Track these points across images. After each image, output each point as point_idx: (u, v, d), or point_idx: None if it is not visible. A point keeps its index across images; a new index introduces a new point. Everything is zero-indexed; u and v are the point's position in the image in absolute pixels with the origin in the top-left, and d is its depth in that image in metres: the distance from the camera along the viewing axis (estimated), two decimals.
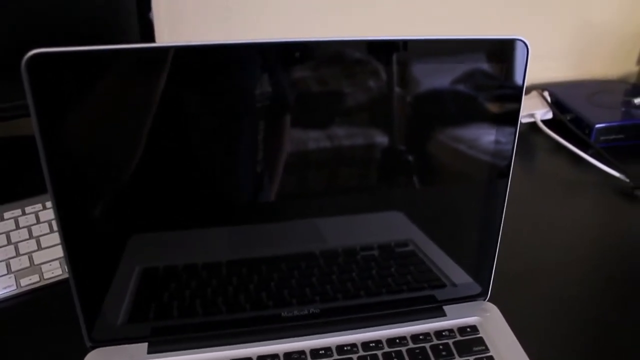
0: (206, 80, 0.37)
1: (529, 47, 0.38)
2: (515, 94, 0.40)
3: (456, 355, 0.42)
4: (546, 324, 0.47)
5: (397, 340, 0.43)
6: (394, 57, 0.38)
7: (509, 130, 0.41)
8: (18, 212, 0.53)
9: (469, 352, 0.42)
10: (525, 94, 0.79)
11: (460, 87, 0.39)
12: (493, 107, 0.40)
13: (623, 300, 0.49)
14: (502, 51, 0.39)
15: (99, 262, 0.40)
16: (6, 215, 0.53)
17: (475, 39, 0.38)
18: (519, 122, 0.41)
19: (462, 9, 0.77)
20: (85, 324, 0.40)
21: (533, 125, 0.76)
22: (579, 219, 0.60)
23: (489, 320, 0.45)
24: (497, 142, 0.41)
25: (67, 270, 0.38)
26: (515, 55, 0.39)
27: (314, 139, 0.39)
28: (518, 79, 0.40)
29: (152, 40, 0.57)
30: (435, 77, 0.39)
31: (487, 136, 0.41)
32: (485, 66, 0.39)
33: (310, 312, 0.44)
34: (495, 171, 0.42)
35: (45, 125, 0.35)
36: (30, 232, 0.52)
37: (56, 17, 0.51)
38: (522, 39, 0.38)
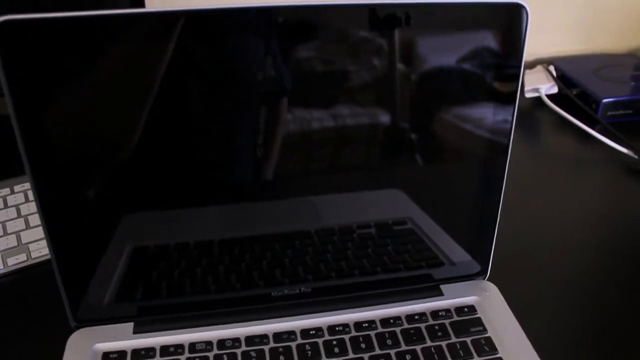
0: (204, 50, 0.35)
1: (528, 12, 0.36)
2: (515, 65, 0.38)
3: (452, 336, 0.41)
4: (548, 305, 0.45)
5: (392, 321, 0.41)
6: (394, 22, 0.36)
7: (507, 103, 0.39)
8: (6, 191, 0.52)
9: (466, 333, 0.41)
10: (530, 68, 0.77)
11: (459, 60, 0.38)
12: (492, 80, 0.38)
13: (629, 281, 0.48)
14: (501, 17, 0.37)
15: (84, 241, 0.39)
16: None
17: (473, 2, 0.36)
18: (518, 94, 0.39)
19: None
20: (69, 304, 0.39)
21: (538, 100, 0.74)
22: (584, 196, 0.59)
23: (487, 300, 0.44)
24: (495, 116, 0.40)
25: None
26: (515, 21, 0.37)
27: (316, 118, 0.38)
28: (518, 47, 0.37)
29: (142, 5, 0.55)
30: (433, 49, 0.37)
31: (485, 110, 0.39)
32: (483, 33, 0.37)
33: (302, 291, 0.42)
34: (494, 147, 0.41)
35: (18, 100, 0.33)
36: (18, 211, 0.51)
37: None
38: (523, 3, 0.36)
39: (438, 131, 0.40)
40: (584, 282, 0.48)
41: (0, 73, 0.32)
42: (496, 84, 0.39)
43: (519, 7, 0.36)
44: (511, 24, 0.37)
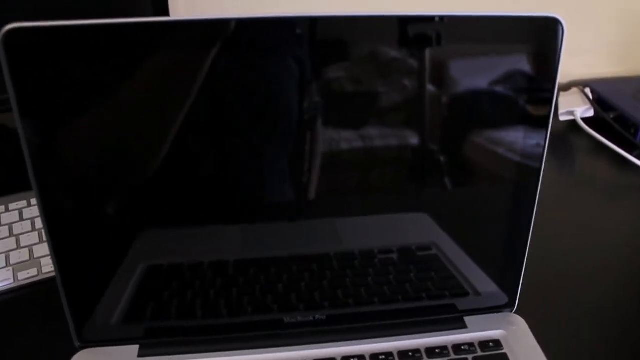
0: (232, 66, 0.33)
1: (564, 26, 0.34)
2: (549, 82, 0.36)
3: None
4: (579, 340, 0.42)
5: (410, 354, 0.39)
6: (425, 38, 0.34)
7: (540, 126, 0.37)
8: (23, 203, 0.52)
9: None
10: (565, 90, 0.74)
11: (490, 81, 0.36)
12: (524, 100, 0.36)
13: None
14: (536, 32, 0.34)
15: (95, 259, 0.37)
16: (11, 206, 0.52)
17: (507, 16, 0.34)
18: (552, 116, 0.37)
19: (493, 6, 0.73)
20: (74, 323, 0.38)
21: (573, 123, 0.71)
22: (621, 224, 0.55)
23: (514, 335, 0.41)
24: (527, 139, 0.37)
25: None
26: (550, 36, 0.34)
27: (344, 139, 0.37)
28: (552, 66, 0.35)
29: (166, 13, 0.53)
30: (464, 70, 0.36)
31: (517, 133, 0.37)
32: (517, 47, 0.35)
33: (316, 318, 0.40)
34: (526, 172, 0.38)
35: (27, 115, 0.32)
36: (33, 224, 0.50)
37: None
38: (559, 17, 0.33)
39: (468, 154, 0.38)
40: (618, 316, 0.44)
41: (8, 85, 0.31)
42: (528, 106, 0.37)
43: (555, 22, 0.34)
44: (546, 40, 0.34)
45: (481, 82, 0.36)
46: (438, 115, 0.37)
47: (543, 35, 0.34)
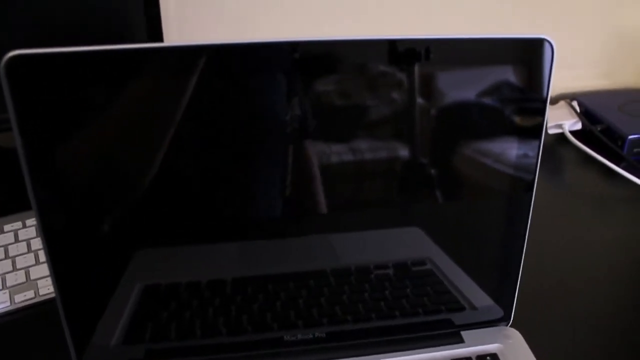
0: (222, 87, 0.34)
1: (554, 47, 0.35)
2: (539, 101, 0.37)
3: None
4: (575, 351, 0.43)
5: None
6: (414, 57, 0.35)
7: (532, 139, 0.38)
8: (18, 224, 0.52)
9: None
10: (553, 103, 0.75)
11: (482, 95, 0.36)
12: (515, 115, 0.37)
13: None
14: (525, 52, 0.35)
15: (93, 281, 0.37)
16: (6, 227, 0.51)
17: (497, 38, 0.35)
18: (544, 130, 0.37)
19: (482, 17, 0.74)
20: (74, 346, 0.38)
21: (561, 136, 0.72)
22: (611, 235, 0.56)
23: (511, 348, 0.41)
24: (519, 153, 0.38)
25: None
26: (539, 56, 0.35)
27: (334, 152, 0.37)
28: (543, 83, 0.36)
29: (160, 39, 0.54)
30: (455, 84, 0.36)
31: (509, 147, 0.38)
32: (507, 68, 0.36)
33: (315, 336, 0.40)
34: (519, 185, 0.39)
35: (27, 135, 0.33)
36: (29, 245, 0.50)
37: (54, 15, 0.48)
38: (548, 38, 0.34)
39: (460, 167, 0.38)
40: (612, 325, 0.45)
41: (9, 109, 0.32)
42: (521, 120, 0.37)
43: (545, 43, 0.35)
44: (536, 60, 0.35)
45: (472, 95, 0.36)
46: (429, 128, 0.37)
47: (534, 55, 0.35)
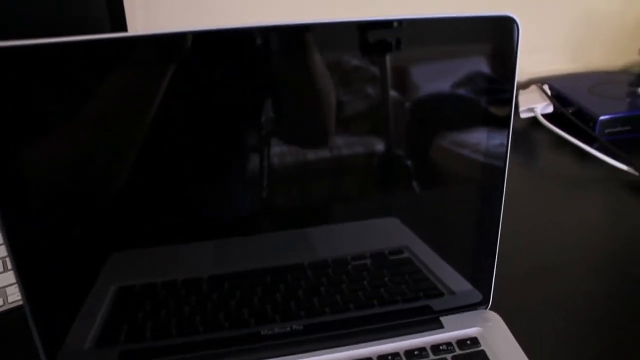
0: (194, 79, 0.33)
1: (519, 25, 0.34)
2: (507, 83, 0.37)
3: None
4: (554, 331, 0.43)
5: (390, 357, 0.39)
6: (383, 42, 0.35)
7: (502, 124, 0.38)
8: None
9: None
10: (524, 88, 0.76)
11: (450, 81, 0.36)
12: (484, 98, 0.37)
13: (635, 302, 0.45)
14: (491, 31, 0.35)
15: (64, 284, 0.36)
16: None
17: (463, 17, 0.34)
18: (512, 114, 0.37)
19: (451, 5, 0.74)
20: (44, 352, 0.36)
21: (534, 120, 0.73)
22: (586, 216, 0.57)
23: (491, 331, 0.41)
24: (490, 139, 0.38)
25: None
26: (505, 34, 0.35)
27: (320, 158, 0.37)
28: (510, 64, 0.36)
29: (124, 29, 0.52)
30: (424, 74, 0.36)
31: (479, 134, 0.38)
32: (474, 50, 0.35)
33: (293, 329, 0.40)
34: (491, 171, 0.39)
35: None
36: None
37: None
38: (512, 16, 0.34)
39: (433, 157, 0.38)
40: (589, 305, 0.45)
41: None
42: (490, 106, 0.37)
43: (510, 21, 0.35)
44: (502, 39, 0.35)
45: (442, 85, 0.36)
46: (402, 120, 0.37)
47: (499, 34, 0.35)
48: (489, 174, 0.39)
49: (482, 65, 0.36)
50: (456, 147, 0.38)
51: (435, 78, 0.36)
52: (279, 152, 0.36)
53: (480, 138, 0.38)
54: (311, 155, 0.36)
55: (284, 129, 0.35)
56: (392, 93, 0.36)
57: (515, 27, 0.35)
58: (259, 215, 0.38)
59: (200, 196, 0.37)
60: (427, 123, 0.38)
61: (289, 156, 0.36)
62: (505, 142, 0.38)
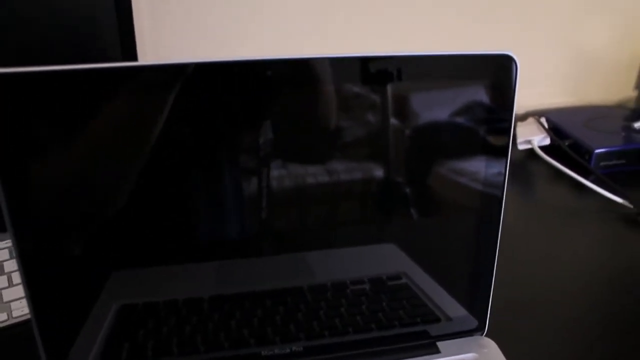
0: (198, 107, 0.34)
1: (517, 64, 0.36)
2: (505, 116, 0.38)
3: None
4: (548, 357, 0.43)
5: None
6: (386, 76, 0.36)
7: (500, 155, 0.39)
8: None
9: None
10: (522, 120, 0.78)
11: (450, 114, 0.38)
12: (483, 131, 0.38)
13: (629, 333, 0.46)
14: (490, 69, 0.37)
15: (69, 301, 0.37)
16: None
17: (463, 54, 0.36)
18: (510, 146, 0.39)
19: (452, 42, 0.76)
20: None
21: (531, 152, 0.74)
22: (581, 247, 0.58)
23: (486, 357, 0.42)
24: (488, 169, 0.39)
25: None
26: (504, 72, 0.37)
27: (310, 174, 0.38)
28: (508, 99, 0.38)
29: (135, 58, 0.54)
30: (425, 104, 0.37)
31: (478, 163, 0.39)
32: (473, 85, 0.37)
33: (293, 350, 0.41)
34: (488, 200, 0.40)
35: (1, 158, 0.32)
36: (1, 268, 0.49)
37: (24, 34, 0.48)
38: (511, 54, 0.36)
39: (432, 185, 0.40)
40: (583, 335, 0.46)
41: None
42: (488, 137, 0.39)
43: (508, 59, 0.36)
44: (501, 76, 0.37)
45: (441, 114, 0.38)
46: (401, 147, 0.38)
47: (499, 71, 0.37)
48: (487, 202, 0.40)
49: (482, 99, 0.37)
50: (454, 176, 0.39)
51: (434, 107, 0.37)
52: (278, 174, 0.37)
53: (478, 167, 0.39)
54: (310, 179, 0.37)
55: (283, 150, 0.36)
56: (392, 121, 0.37)
57: (514, 64, 0.36)
58: (259, 237, 0.38)
59: (200, 218, 0.38)
60: (426, 151, 0.39)
61: (288, 179, 0.37)
62: (503, 171, 0.39)
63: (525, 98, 0.81)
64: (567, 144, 0.73)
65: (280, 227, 0.38)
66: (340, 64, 0.35)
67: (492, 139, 0.39)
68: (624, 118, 0.78)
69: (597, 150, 0.69)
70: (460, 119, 0.38)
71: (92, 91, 0.33)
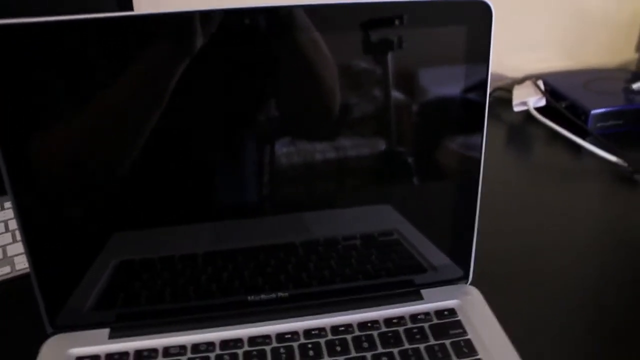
0: (201, 66, 0.34)
1: (492, 9, 0.36)
2: (481, 65, 0.38)
3: (431, 338, 0.40)
4: (532, 306, 0.45)
5: (369, 324, 0.41)
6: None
7: (477, 107, 0.39)
8: None
9: (445, 336, 0.40)
10: (519, 83, 0.77)
11: (426, 67, 0.38)
12: (459, 83, 0.39)
13: (618, 285, 0.47)
14: (465, 16, 0.37)
15: (67, 257, 0.39)
16: None
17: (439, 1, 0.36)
18: (487, 97, 0.39)
19: None
20: (45, 310, 0.39)
21: (527, 114, 0.74)
22: (575, 203, 0.58)
23: (469, 304, 0.43)
24: (467, 122, 0.40)
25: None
26: (479, 19, 0.37)
27: (319, 151, 0.39)
28: (484, 49, 0.38)
29: (130, 8, 0.53)
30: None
31: (456, 117, 0.40)
32: (447, 32, 0.37)
33: (278, 296, 0.42)
34: (468, 152, 0.41)
35: (1, 117, 0.33)
36: (6, 225, 0.52)
37: None
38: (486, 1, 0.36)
39: (416, 142, 0.41)
40: (571, 286, 0.47)
41: None
42: (465, 91, 0.39)
43: (483, 5, 0.37)
44: (477, 22, 0.37)
45: (419, 67, 0.38)
46: (402, 122, 0.39)
47: (474, 18, 0.37)
48: (467, 156, 0.41)
49: (458, 47, 0.38)
50: (445, 140, 0.40)
51: (412, 60, 0.38)
52: (282, 141, 0.38)
53: (458, 122, 0.40)
54: (312, 146, 0.39)
55: (287, 116, 0.38)
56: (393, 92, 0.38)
57: (489, 10, 0.37)
58: (259, 198, 0.40)
59: (200, 180, 0.39)
60: (425, 123, 0.40)
61: (292, 147, 0.38)
62: (481, 124, 0.40)
63: (524, 62, 0.80)
64: (563, 105, 0.72)
65: (281, 189, 0.40)
66: (317, 12, 0.35)
67: (469, 93, 0.39)
68: (624, 80, 0.77)
69: (594, 111, 0.69)
70: (436, 71, 0.39)
71: (93, 44, 0.33)
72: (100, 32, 0.33)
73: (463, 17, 0.37)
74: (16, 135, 0.34)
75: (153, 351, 0.39)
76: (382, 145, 0.40)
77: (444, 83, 0.39)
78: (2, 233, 0.51)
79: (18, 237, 0.50)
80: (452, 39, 0.38)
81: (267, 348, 0.39)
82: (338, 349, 0.39)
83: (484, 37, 0.38)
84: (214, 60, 0.35)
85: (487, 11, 0.37)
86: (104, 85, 0.34)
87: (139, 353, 0.39)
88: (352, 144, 0.40)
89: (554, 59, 0.82)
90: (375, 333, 0.40)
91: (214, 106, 0.37)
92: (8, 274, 0.47)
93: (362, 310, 0.42)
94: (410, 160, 0.41)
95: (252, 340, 0.39)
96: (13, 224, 0.52)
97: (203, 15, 0.33)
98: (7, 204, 0.54)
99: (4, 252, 0.49)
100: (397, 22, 0.37)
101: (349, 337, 0.40)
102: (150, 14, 0.33)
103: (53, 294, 0.39)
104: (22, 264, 0.48)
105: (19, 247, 0.49)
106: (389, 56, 0.37)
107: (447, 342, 0.40)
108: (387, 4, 0.36)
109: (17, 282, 0.47)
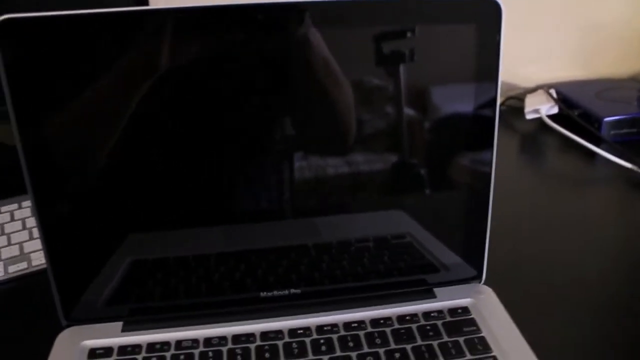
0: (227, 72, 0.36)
1: (502, 7, 0.37)
2: (491, 65, 0.39)
3: (445, 335, 0.40)
4: (549, 310, 0.44)
5: (382, 321, 0.41)
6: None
7: (488, 110, 0.40)
8: (14, 206, 0.54)
9: (459, 333, 0.40)
10: (531, 92, 0.77)
11: (437, 67, 0.39)
12: (469, 87, 0.39)
13: (633, 290, 0.46)
14: (475, 14, 0.38)
15: (84, 255, 0.39)
16: (3, 209, 0.54)
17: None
18: (498, 99, 0.39)
19: None
20: (60, 303, 0.40)
21: (540, 123, 0.74)
22: (589, 209, 0.58)
23: (482, 302, 0.43)
24: (476, 124, 0.40)
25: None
26: (489, 18, 0.37)
27: (332, 165, 0.40)
28: (494, 44, 0.38)
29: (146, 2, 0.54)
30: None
31: (466, 121, 0.40)
32: (457, 31, 0.38)
33: (291, 292, 0.42)
34: (481, 160, 0.41)
35: (20, 108, 0.34)
36: (24, 223, 0.52)
37: None
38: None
39: (437, 162, 0.42)
40: (584, 288, 0.47)
41: (1, 74, 0.33)
42: (475, 94, 0.39)
43: (493, 4, 0.37)
44: (486, 21, 0.38)
45: (429, 69, 0.39)
46: (415, 135, 0.40)
47: (484, 17, 0.37)
48: (479, 162, 0.41)
49: (468, 46, 0.38)
50: (459, 156, 0.41)
51: (422, 58, 0.38)
52: (299, 154, 0.39)
53: (467, 126, 0.40)
54: (326, 160, 0.40)
55: (304, 134, 0.39)
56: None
57: (499, 9, 0.37)
58: (275, 207, 0.41)
59: (220, 188, 0.40)
60: (437, 135, 0.41)
61: (307, 161, 0.40)
62: (492, 128, 0.40)
63: (536, 72, 0.80)
64: (576, 113, 0.72)
65: (296, 198, 0.41)
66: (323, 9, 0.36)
67: (480, 97, 0.39)
68: (636, 89, 0.77)
69: (607, 119, 0.69)
70: (446, 72, 0.39)
71: (114, 35, 0.34)
72: (111, 26, 0.34)
73: (473, 15, 0.38)
74: (36, 133, 0.35)
75: (165, 344, 0.39)
76: (394, 159, 0.41)
77: (454, 94, 0.40)
78: (20, 231, 0.52)
79: (34, 234, 0.51)
80: (461, 38, 0.38)
81: (280, 343, 0.39)
82: (350, 344, 0.39)
83: (493, 35, 0.38)
84: (236, 69, 0.36)
85: (497, 10, 0.37)
86: (118, 73, 0.35)
87: (151, 346, 0.39)
88: (365, 159, 0.40)
89: (566, 70, 0.82)
90: (388, 330, 0.40)
91: (235, 117, 0.38)
92: (25, 269, 0.48)
93: (374, 307, 0.42)
94: (422, 172, 0.41)
95: (265, 335, 0.39)
96: (30, 222, 0.52)
97: (218, 10, 0.34)
98: (25, 203, 0.55)
99: (21, 248, 0.50)
100: (409, 34, 0.37)
101: (361, 333, 0.40)
102: (165, 8, 0.34)
103: (68, 288, 0.40)
104: (38, 260, 0.48)
105: (35, 244, 0.50)
106: (401, 68, 0.38)
107: (461, 339, 0.39)
108: (396, 3, 0.37)
109: (33, 278, 0.48)
